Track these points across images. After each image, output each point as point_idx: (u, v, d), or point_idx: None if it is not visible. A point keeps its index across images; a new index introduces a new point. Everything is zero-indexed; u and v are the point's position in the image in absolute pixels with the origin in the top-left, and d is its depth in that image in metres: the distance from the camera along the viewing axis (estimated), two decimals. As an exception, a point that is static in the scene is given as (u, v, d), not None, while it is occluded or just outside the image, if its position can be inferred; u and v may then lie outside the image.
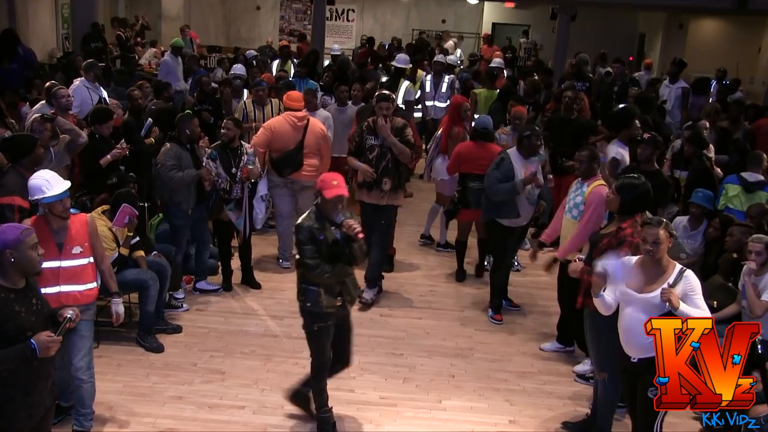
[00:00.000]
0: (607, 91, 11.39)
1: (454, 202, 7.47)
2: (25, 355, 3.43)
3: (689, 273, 4.11)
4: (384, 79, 11.02)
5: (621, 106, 8.49)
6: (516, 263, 7.87)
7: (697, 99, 11.10)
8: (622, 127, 7.23)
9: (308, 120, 7.43)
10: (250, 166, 6.78)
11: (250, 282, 7.17)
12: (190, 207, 6.53)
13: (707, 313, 3.99)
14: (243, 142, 6.98)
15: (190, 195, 6.51)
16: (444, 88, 11.01)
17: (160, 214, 7.01)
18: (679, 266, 4.15)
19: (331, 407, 4.90)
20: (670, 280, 4.06)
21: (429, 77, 11.20)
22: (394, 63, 10.88)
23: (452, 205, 7.50)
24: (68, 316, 3.67)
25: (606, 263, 4.44)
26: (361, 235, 4.55)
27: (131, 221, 5.68)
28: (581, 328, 5.10)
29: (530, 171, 6.47)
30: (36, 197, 4.42)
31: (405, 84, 10.23)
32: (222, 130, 6.87)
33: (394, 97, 6.98)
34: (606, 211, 5.37)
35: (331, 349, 4.78)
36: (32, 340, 3.43)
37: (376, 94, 7.03)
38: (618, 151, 7.02)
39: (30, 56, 11.80)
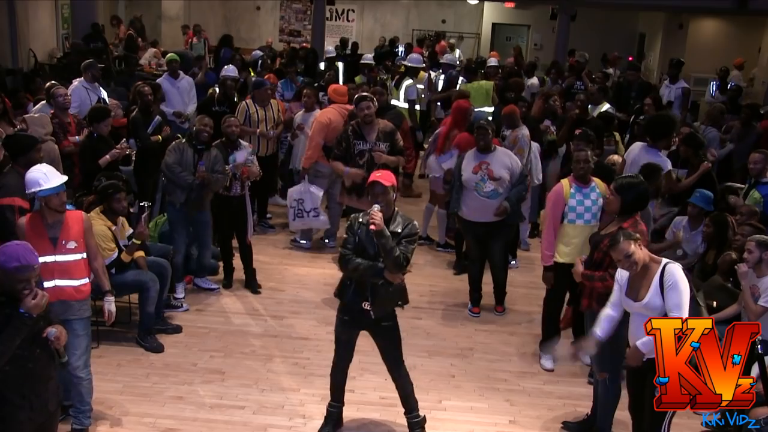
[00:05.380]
0: (625, 97, 11.34)
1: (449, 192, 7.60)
2: (20, 325, 3.42)
3: (670, 266, 4.11)
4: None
5: (661, 113, 8.15)
6: (513, 261, 7.90)
7: None
8: (661, 135, 6.85)
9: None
10: (250, 165, 6.86)
11: (251, 285, 7.11)
12: (180, 201, 6.52)
13: (681, 301, 3.99)
14: (242, 141, 7.07)
15: (182, 192, 6.50)
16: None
17: (164, 215, 7.03)
18: (663, 261, 4.16)
19: (341, 404, 4.93)
20: (656, 279, 4.08)
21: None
22: (406, 62, 10.79)
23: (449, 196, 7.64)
24: (49, 336, 3.63)
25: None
26: (372, 227, 4.35)
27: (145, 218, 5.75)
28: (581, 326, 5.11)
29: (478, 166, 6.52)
30: (33, 190, 4.43)
31: (407, 82, 10.20)
32: (229, 128, 6.88)
33: (372, 96, 7.00)
34: None
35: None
36: (21, 308, 3.43)
37: (356, 95, 7.02)
38: (663, 162, 6.67)
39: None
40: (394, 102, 10.09)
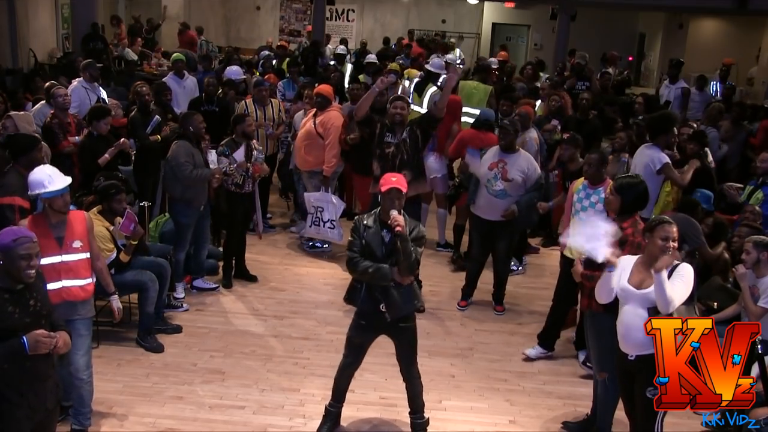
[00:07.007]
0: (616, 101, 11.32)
1: (455, 185, 7.64)
2: (15, 351, 3.42)
3: (685, 264, 4.12)
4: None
5: (661, 112, 8.17)
6: (515, 266, 7.77)
7: None
8: (660, 132, 6.87)
9: None
10: (261, 163, 7.15)
11: (246, 276, 7.28)
12: (202, 204, 6.63)
13: (678, 292, 3.97)
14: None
15: (204, 192, 6.60)
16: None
17: (166, 214, 7.02)
18: (677, 261, 4.16)
19: (340, 405, 4.92)
20: (665, 272, 4.08)
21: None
22: (428, 66, 10.50)
23: (453, 189, 7.66)
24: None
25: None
26: (399, 229, 4.40)
27: (136, 229, 5.67)
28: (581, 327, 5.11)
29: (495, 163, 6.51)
30: (37, 191, 4.42)
31: (431, 90, 9.51)
32: (250, 127, 7.04)
33: (407, 99, 7.07)
34: None
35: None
36: (23, 337, 3.43)
37: (391, 97, 7.03)
38: (660, 156, 6.73)
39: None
40: (415, 108, 9.81)
